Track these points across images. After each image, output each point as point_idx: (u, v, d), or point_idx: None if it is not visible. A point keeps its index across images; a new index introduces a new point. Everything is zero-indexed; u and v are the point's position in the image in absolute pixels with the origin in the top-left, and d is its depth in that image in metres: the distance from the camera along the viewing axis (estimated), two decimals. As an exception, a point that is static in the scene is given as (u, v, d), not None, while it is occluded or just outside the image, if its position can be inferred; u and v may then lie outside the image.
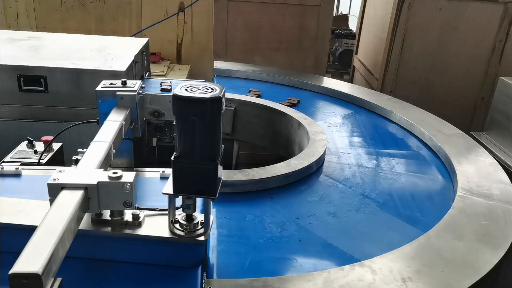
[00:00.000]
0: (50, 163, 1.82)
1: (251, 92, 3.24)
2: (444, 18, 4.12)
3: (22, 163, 1.74)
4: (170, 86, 2.03)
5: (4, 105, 2.13)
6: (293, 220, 1.76)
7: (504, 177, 2.17)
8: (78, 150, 1.69)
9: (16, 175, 1.62)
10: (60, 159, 1.91)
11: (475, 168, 2.23)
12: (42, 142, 1.87)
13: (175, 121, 1.14)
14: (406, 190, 2.12)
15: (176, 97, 1.10)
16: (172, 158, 1.17)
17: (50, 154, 1.86)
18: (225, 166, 1.50)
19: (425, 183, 2.21)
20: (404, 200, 2.01)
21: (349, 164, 2.31)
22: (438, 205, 1.98)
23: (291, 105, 3.04)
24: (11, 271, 0.84)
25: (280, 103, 3.03)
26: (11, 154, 1.84)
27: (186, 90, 1.12)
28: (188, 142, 1.14)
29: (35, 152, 1.85)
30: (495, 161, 2.35)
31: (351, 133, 2.79)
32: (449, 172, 2.28)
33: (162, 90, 2.01)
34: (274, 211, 1.81)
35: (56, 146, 1.91)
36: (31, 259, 0.88)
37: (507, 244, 1.63)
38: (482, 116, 4.28)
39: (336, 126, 2.86)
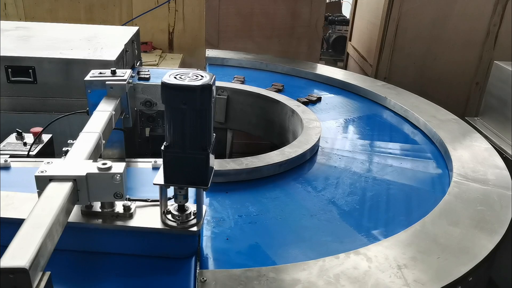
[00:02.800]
0: (40, 155, 1.79)
1: (235, 79, 3.21)
2: (438, 3, 4.09)
3: (11, 156, 1.71)
4: (149, 75, 2.01)
5: (-9, 96, 2.10)
6: (235, 218, 1.66)
7: (500, 162, 2.16)
8: (69, 142, 1.65)
9: (5, 167, 1.59)
10: (50, 151, 1.88)
11: (470, 153, 2.22)
12: (31, 134, 1.84)
13: (164, 110, 1.12)
14: (392, 190, 1.98)
15: (164, 85, 1.07)
16: (162, 148, 1.14)
17: (40, 146, 1.83)
18: (219, 155, 1.46)
19: (419, 169, 2.20)
20: (377, 206, 1.87)
21: (338, 157, 2.29)
22: (429, 196, 1.96)
23: (278, 91, 3.01)
24: (-3, 266, 0.82)
25: (266, 89, 3.00)
26: (0, 146, 1.81)
27: (175, 77, 1.09)
28: (178, 131, 1.12)
29: (25, 144, 1.83)
30: (490, 146, 2.34)
31: (345, 121, 2.77)
32: (444, 158, 2.27)
33: (140, 79, 1.99)
34: (222, 206, 1.73)
35: (46, 137, 1.89)
36: (18, 254, 0.86)
37: (503, 229, 1.62)
38: (477, 101, 4.27)
39: (329, 113, 2.83)
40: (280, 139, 2.81)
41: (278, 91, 3.03)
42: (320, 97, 3.06)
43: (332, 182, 1.99)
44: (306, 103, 2.86)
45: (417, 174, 2.13)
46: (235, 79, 3.20)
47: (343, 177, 2.05)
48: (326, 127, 2.55)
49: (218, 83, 3.01)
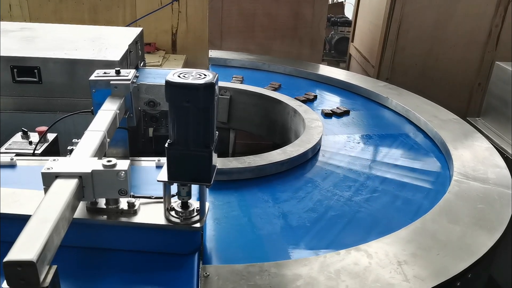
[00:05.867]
0: (45, 153, 1.81)
1: (234, 78, 3.25)
2: (440, 4, 4.10)
3: (17, 154, 1.73)
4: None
5: (-2, 96, 2.12)
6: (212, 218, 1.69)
7: (500, 161, 2.17)
8: (73, 141, 1.68)
9: (11, 165, 1.61)
10: (55, 150, 1.90)
11: (471, 152, 2.24)
12: (36, 133, 1.86)
13: (168, 108, 1.14)
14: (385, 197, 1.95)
15: (168, 83, 1.10)
16: (166, 145, 1.16)
17: (45, 145, 1.85)
18: (221, 155, 1.49)
19: (420, 167, 2.21)
20: (379, 203, 1.88)
21: (340, 155, 2.30)
22: (430, 194, 1.98)
23: (307, 101, 3.03)
24: (5, 259, 0.84)
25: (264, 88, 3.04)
26: (6, 145, 1.83)
27: (179, 76, 1.11)
28: (181, 129, 1.14)
29: (30, 143, 1.84)
30: (491, 145, 2.35)
31: (347, 122, 2.78)
32: (445, 157, 2.28)
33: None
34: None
35: (51, 136, 1.91)
36: (26, 247, 0.88)
37: (502, 227, 1.64)
38: (479, 101, 4.28)
39: (331, 114, 2.83)
40: (282, 139, 2.83)
41: (275, 89, 3.09)
42: (316, 96, 3.10)
43: (337, 178, 2.03)
44: (304, 101, 2.90)
45: (418, 173, 2.15)
46: (234, 78, 3.24)
47: (346, 173, 2.08)
48: (326, 127, 2.58)
49: (221, 83, 3.03)
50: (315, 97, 3.09)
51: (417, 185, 2.04)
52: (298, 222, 1.69)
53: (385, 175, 2.10)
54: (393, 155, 2.34)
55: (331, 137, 2.49)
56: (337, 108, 2.89)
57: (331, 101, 3.15)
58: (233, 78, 3.24)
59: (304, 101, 2.91)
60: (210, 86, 1.09)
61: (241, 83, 3.17)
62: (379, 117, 2.89)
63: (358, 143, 2.46)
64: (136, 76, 1.79)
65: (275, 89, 3.09)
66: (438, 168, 2.22)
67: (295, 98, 2.90)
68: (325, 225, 1.69)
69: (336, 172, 2.11)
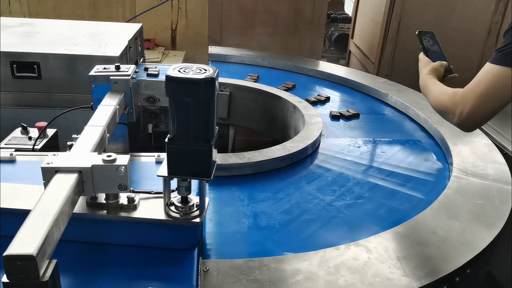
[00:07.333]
0: (45, 149, 1.81)
1: (249, 77, 3.24)
2: (441, 0, 4.09)
3: (17, 149, 1.73)
4: (157, 71, 2.04)
5: (-3, 92, 2.12)
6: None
7: (499, 157, 2.18)
8: (73, 136, 1.68)
9: (11, 161, 1.61)
10: (55, 145, 1.90)
11: (470, 148, 2.24)
12: (36, 129, 1.86)
13: (168, 103, 1.14)
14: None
15: (168, 78, 1.09)
16: (166, 140, 1.16)
17: (45, 140, 1.85)
18: (221, 150, 1.48)
19: (419, 163, 2.22)
20: (378, 198, 1.86)
21: (339, 152, 2.30)
22: (429, 190, 1.97)
23: (287, 89, 3.03)
24: (5, 253, 0.84)
25: (276, 87, 3.01)
26: (5, 140, 1.83)
27: (179, 71, 1.11)
28: (182, 124, 1.14)
29: (30, 138, 1.85)
30: (491, 142, 2.36)
31: (354, 125, 2.68)
32: (444, 153, 2.29)
33: (148, 75, 2.02)
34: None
35: (50, 132, 1.91)
36: (25, 241, 0.88)
37: (501, 222, 1.64)
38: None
39: (339, 116, 2.75)
40: (282, 135, 2.83)
41: (288, 89, 3.04)
42: (329, 97, 3.04)
43: (338, 170, 2.03)
44: (315, 103, 2.86)
45: (417, 168, 2.15)
46: (248, 77, 3.22)
47: (346, 167, 2.08)
48: (329, 130, 2.55)
49: (220, 79, 3.03)
50: (328, 98, 2.99)
51: (409, 194, 1.93)
52: (268, 223, 1.65)
53: (377, 182, 2.00)
54: (393, 162, 2.21)
55: (332, 140, 2.40)
56: (346, 110, 2.77)
57: (341, 102, 3.08)
58: (248, 77, 3.23)
59: (315, 103, 2.86)
60: (210, 81, 1.09)
61: (255, 81, 3.15)
62: (390, 122, 2.79)
63: (359, 147, 2.36)
64: (136, 72, 1.79)
65: (288, 89, 3.04)
66: (434, 178, 2.10)
67: (306, 99, 2.83)
68: (294, 228, 1.64)
69: (324, 176, 2.04)
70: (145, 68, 2.12)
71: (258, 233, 1.60)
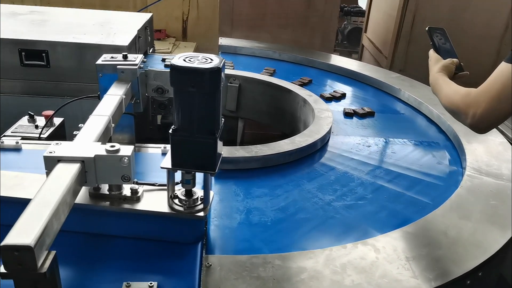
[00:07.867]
0: (51, 138, 1.80)
1: (265, 71, 3.19)
2: (456, -7, 4.01)
3: (23, 138, 1.72)
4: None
5: (5, 79, 2.11)
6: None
7: (514, 156, 2.12)
8: (80, 126, 1.66)
9: (16, 149, 1.60)
10: (61, 134, 1.89)
11: (485, 147, 2.18)
12: (43, 117, 1.85)
13: (173, 93, 1.11)
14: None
15: (173, 67, 1.06)
16: (171, 131, 1.14)
17: (51, 129, 1.84)
18: (230, 142, 1.45)
19: (432, 161, 2.16)
20: (388, 197, 1.80)
21: (350, 147, 2.25)
22: (442, 188, 1.91)
23: (302, 84, 2.98)
24: (2, 243, 0.82)
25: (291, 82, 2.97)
26: (12, 128, 1.82)
27: (184, 60, 1.08)
28: (186, 115, 1.11)
29: (36, 126, 1.83)
30: (505, 140, 2.30)
31: (367, 123, 2.59)
32: (457, 151, 2.23)
33: (166, 66, 1.99)
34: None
35: (57, 121, 1.89)
36: (24, 232, 0.86)
37: (515, 224, 1.59)
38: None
39: (352, 113, 2.67)
40: (291, 128, 2.79)
41: (270, 75, 3.06)
42: (311, 80, 3.03)
43: (343, 169, 1.98)
44: (330, 99, 2.83)
45: (430, 167, 2.10)
46: (265, 70, 3.18)
47: (352, 166, 2.03)
48: (340, 127, 2.49)
49: (230, 71, 2.99)
50: (343, 95, 2.92)
51: (415, 198, 1.83)
52: (260, 220, 1.60)
53: (383, 184, 1.91)
54: (403, 163, 2.11)
55: (341, 137, 2.32)
56: (361, 108, 2.69)
57: (354, 98, 3.00)
58: (264, 70, 3.19)
59: (329, 99, 2.81)
60: (216, 70, 1.06)
61: (271, 75, 3.11)
62: (404, 121, 2.69)
63: (369, 146, 2.26)
64: (144, 61, 1.77)
65: (303, 84, 2.98)
66: (444, 182, 1.99)
67: (320, 95, 2.77)
68: (285, 227, 1.59)
69: (327, 174, 1.97)
70: (162, 59, 2.09)
71: (247, 230, 1.55)
